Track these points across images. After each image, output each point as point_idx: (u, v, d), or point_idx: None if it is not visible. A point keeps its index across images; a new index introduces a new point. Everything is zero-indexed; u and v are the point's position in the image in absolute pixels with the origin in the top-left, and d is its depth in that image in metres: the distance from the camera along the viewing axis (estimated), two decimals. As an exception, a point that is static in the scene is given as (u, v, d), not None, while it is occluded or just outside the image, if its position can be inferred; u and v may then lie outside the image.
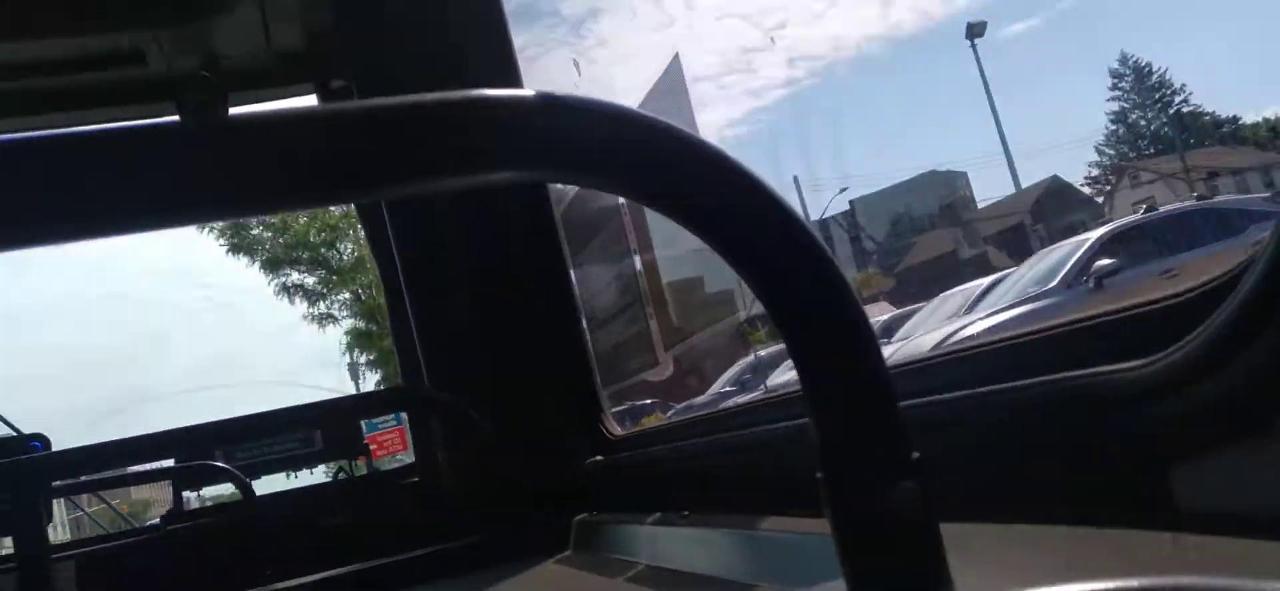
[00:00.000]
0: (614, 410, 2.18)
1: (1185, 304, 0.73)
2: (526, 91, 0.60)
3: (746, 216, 0.60)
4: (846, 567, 0.61)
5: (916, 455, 0.60)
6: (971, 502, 0.81)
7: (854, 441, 0.60)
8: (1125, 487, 0.70)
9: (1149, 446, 0.68)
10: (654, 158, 0.60)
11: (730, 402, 1.59)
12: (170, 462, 2.60)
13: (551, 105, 0.60)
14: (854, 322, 0.60)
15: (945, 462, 0.66)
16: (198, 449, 2.62)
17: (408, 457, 3.31)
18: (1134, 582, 0.55)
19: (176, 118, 0.60)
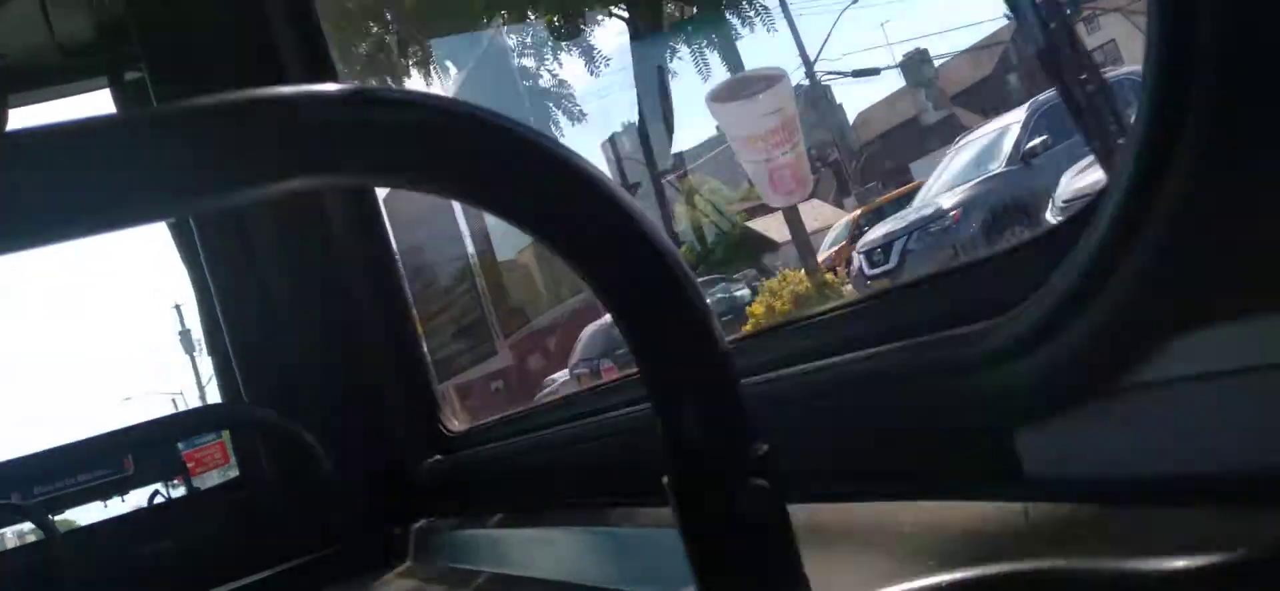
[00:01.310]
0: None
1: (1028, 255, 0.72)
2: (325, 86, 0.52)
3: (573, 208, 0.55)
4: (696, 574, 0.57)
5: (765, 448, 0.57)
6: (821, 480, 0.79)
7: (700, 441, 0.56)
8: (976, 457, 0.69)
9: (996, 413, 0.66)
10: (470, 153, 0.53)
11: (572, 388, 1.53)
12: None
13: (354, 100, 0.52)
14: (695, 316, 0.56)
15: (792, 441, 0.63)
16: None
17: (233, 471, 3.12)
18: (993, 570, 0.53)
19: None
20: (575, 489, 1.38)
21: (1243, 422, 0.53)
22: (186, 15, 2.09)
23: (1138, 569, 0.48)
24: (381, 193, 2.11)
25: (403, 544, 1.84)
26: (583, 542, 1.18)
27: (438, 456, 1.94)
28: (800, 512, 0.55)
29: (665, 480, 0.57)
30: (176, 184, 0.49)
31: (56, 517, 2.69)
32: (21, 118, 2.33)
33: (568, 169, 0.54)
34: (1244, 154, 0.50)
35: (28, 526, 2.67)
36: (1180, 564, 0.47)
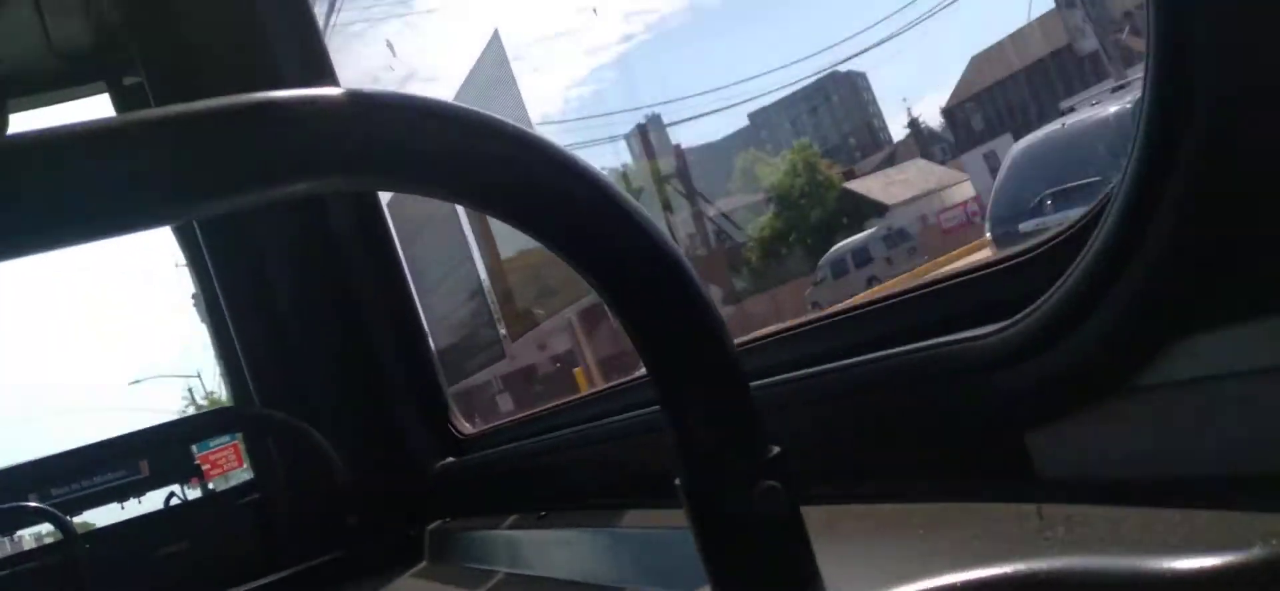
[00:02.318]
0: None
1: (1039, 258, 0.72)
2: (329, 91, 0.52)
3: (578, 213, 0.55)
4: (711, 576, 0.57)
5: (777, 450, 0.57)
6: (833, 482, 0.79)
7: (711, 445, 0.57)
8: (987, 458, 0.69)
9: (1006, 415, 0.66)
10: (478, 158, 0.53)
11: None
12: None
13: (360, 104, 0.52)
14: (704, 320, 0.56)
15: (804, 443, 0.63)
16: (9, 494, 2.41)
17: (246, 473, 3.13)
18: (1008, 569, 0.53)
19: None
20: (588, 490, 1.38)
21: (1250, 423, 0.53)
22: (183, 22, 2.09)
23: (1150, 568, 0.48)
24: (385, 197, 2.11)
25: (418, 544, 1.85)
26: (597, 542, 1.19)
27: (449, 459, 1.94)
28: (813, 513, 0.56)
29: (677, 482, 0.57)
30: (180, 188, 0.49)
31: (74, 519, 2.71)
32: (20, 123, 2.33)
33: (572, 173, 0.54)
34: (1247, 157, 0.51)
35: (46, 527, 2.70)
36: (1191, 563, 0.47)
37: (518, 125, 0.57)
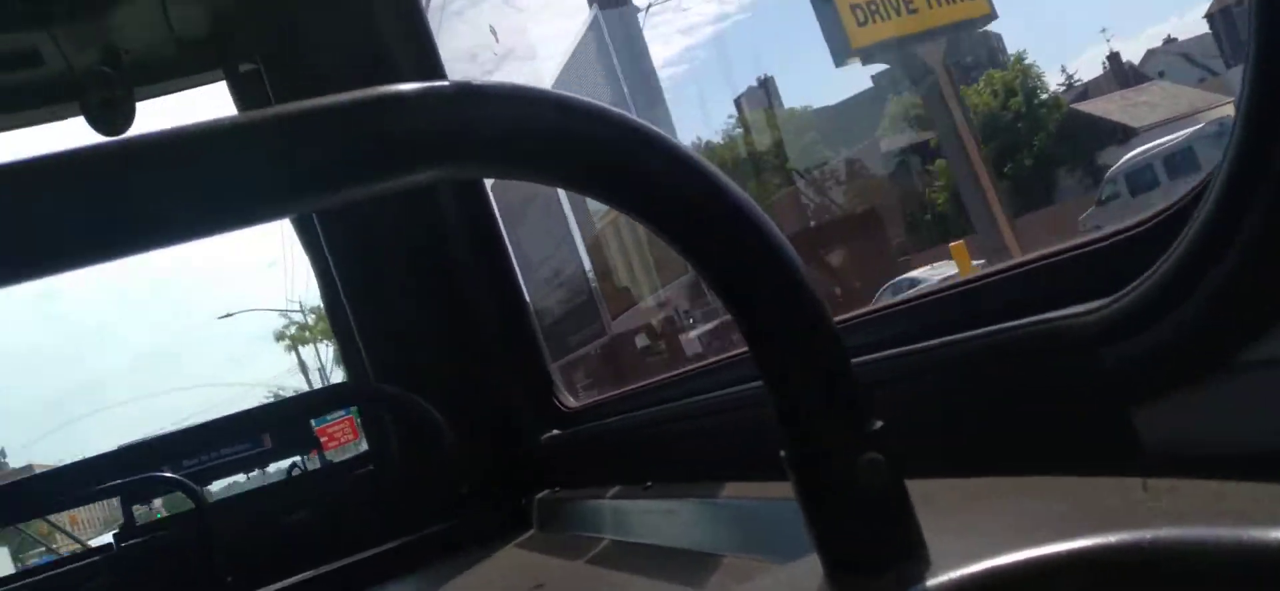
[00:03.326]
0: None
1: (1141, 236, 0.71)
2: (448, 84, 0.56)
3: (684, 196, 0.57)
4: (818, 545, 0.59)
5: (880, 424, 0.59)
6: (935, 457, 0.80)
7: (814, 418, 0.58)
8: (1091, 434, 0.69)
9: (1112, 390, 0.66)
10: (587, 145, 0.56)
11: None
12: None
13: (479, 96, 0.56)
14: (804, 296, 0.58)
15: (905, 418, 0.64)
16: (145, 466, 2.56)
17: (362, 445, 3.27)
18: (1112, 538, 0.54)
19: (81, 122, 0.54)
20: (691, 462, 1.41)
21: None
22: (297, 10, 2.18)
23: (1255, 539, 0.48)
24: (489, 181, 2.17)
25: (526, 513, 1.91)
26: (702, 512, 1.21)
27: (555, 431, 2.00)
28: (916, 487, 0.57)
29: (782, 454, 0.59)
30: (312, 179, 0.53)
31: (206, 488, 2.86)
32: (144, 110, 2.43)
33: (672, 156, 0.57)
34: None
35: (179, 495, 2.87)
36: (1298, 535, 0.47)
37: (620, 111, 0.60)
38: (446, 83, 0.57)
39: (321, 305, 2.72)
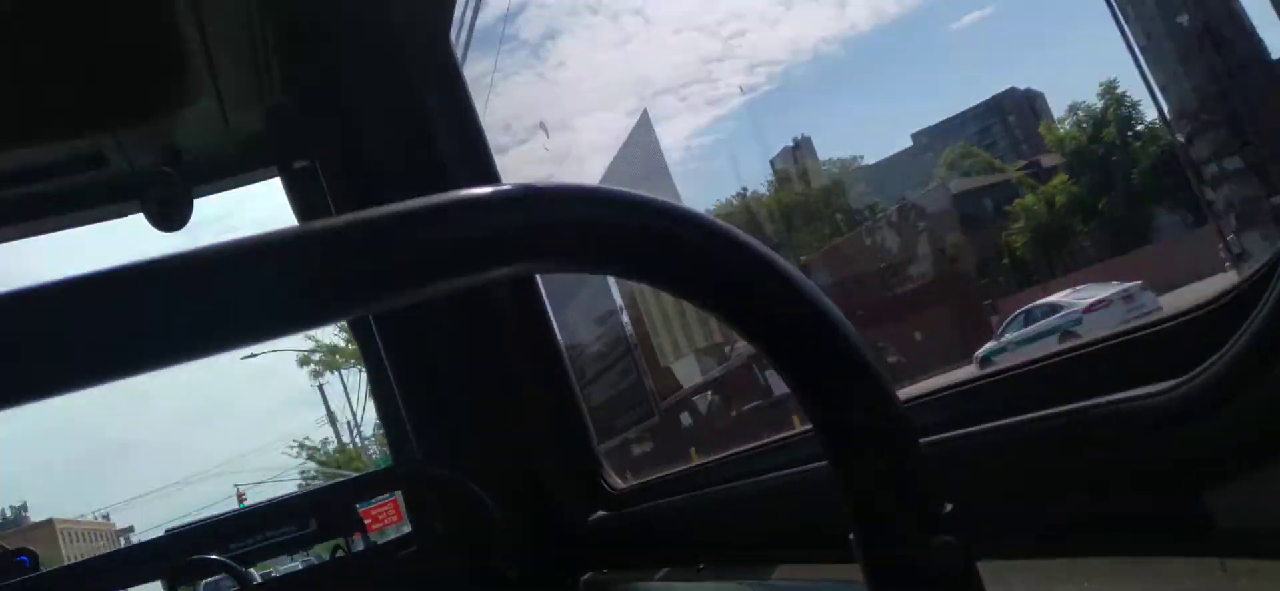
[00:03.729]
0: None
1: (1212, 316, 0.71)
2: (518, 186, 0.58)
3: (747, 283, 0.58)
4: None
5: (950, 507, 0.58)
6: (1005, 537, 0.79)
7: (884, 501, 0.58)
8: (1164, 514, 0.68)
9: (1186, 469, 0.66)
10: (644, 238, 0.58)
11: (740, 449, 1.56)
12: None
13: (550, 199, 0.58)
14: (868, 374, 0.58)
15: (975, 498, 0.64)
16: (193, 549, 2.58)
17: (405, 527, 3.28)
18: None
19: (142, 220, 0.57)
20: (740, 544, 1.40)
21: None
22: (351, 109, 2.24)
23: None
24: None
25: (574, 597, 1.90)
26: (757, 596, 1.20)
27: (602, 512, 1.99)
28: (988, 568, 0.57)
29: (851, 537, 0.59)
30: (379, 282, 0.55)
31: (252, 569, 2.87)
32: (201, 207, 2.49)
33: (731, 244, 0.58)
34: None
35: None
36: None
37: (673, 203, 0.62)
38: (514, 186, 0.59)
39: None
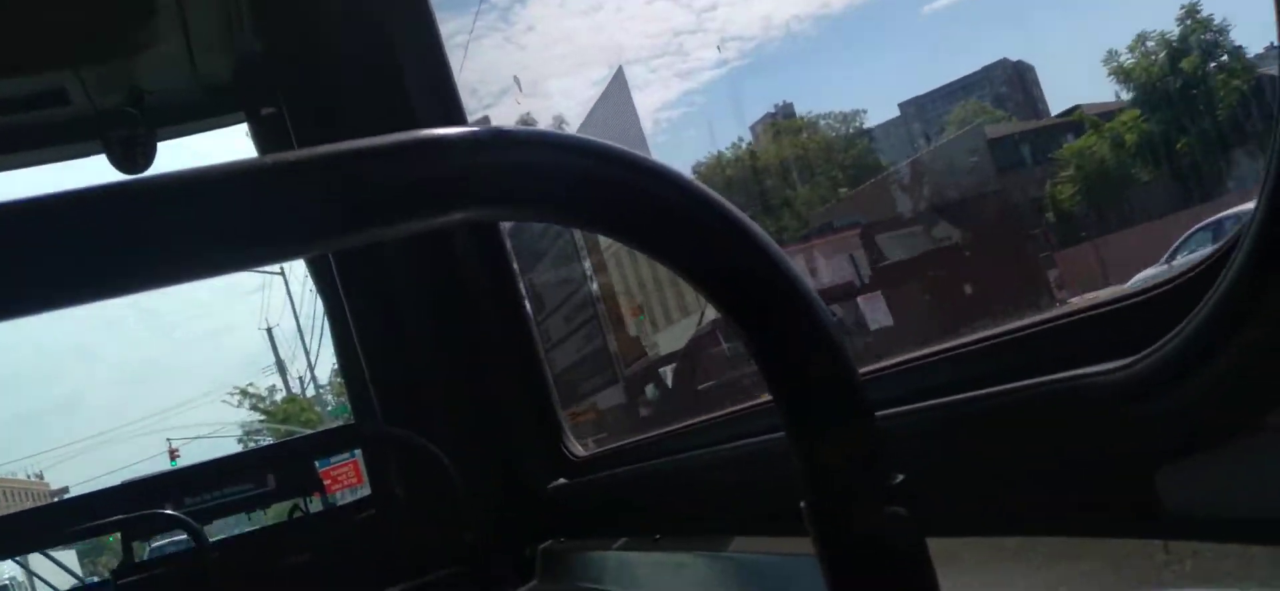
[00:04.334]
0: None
1: (1168, 296, 0.71)
2: (481, 128, 0.57)
3: (706, 240, 0.58)
4: None
5: (901, 477, 0.58)
6: (957, 512, 0.79)
7: (836, 470, 0.58)
8: (1112, 493, 0.69)
9: (1135, 449, 0.66)
10: (613, 190, 0.57)
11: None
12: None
13: (510, 141, 0.57)
14: (830, 346, 0.58)
15: (929, 472, 0.64)
16: (147, 502, 2.55)
17: (364, 490, 3.26)
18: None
19: (103, 160, 0.55)
20: (700, 515, 1.40)
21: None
22: (321, 56, 2.20)
23: (1284, 606, 0.48)
24: (506, 226, 2.18)
25: (530, 563, 1.89)
26: (712, 567, 1.20)
27: (562, 480, 1.99)
28: (936, 544, 0.57)
29: (803, 505, 0.59)
30: (343, 218, 0.54)
31: (206, 527, 2.85)
32: (166, 150, 2.45)
33: (696, 200, 0.57)
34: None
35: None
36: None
37: (646, 156, 0.61)
38: (483, 128, 0.58)
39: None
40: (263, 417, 30.70)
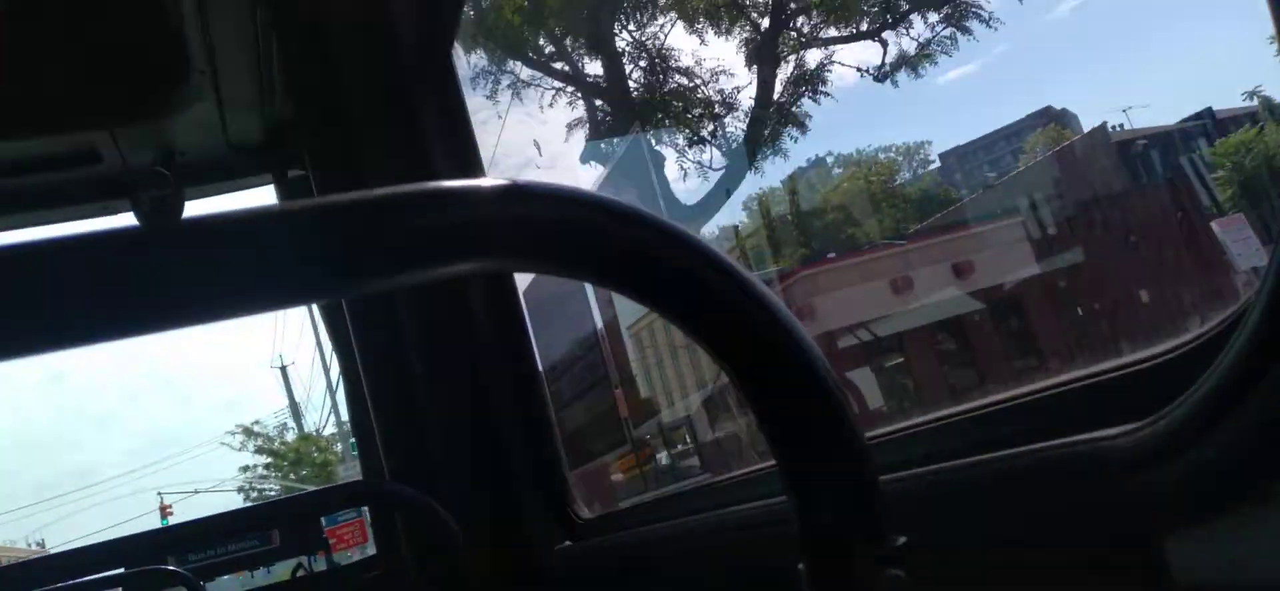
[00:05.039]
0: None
1: (1176, 360, 0.72)
2: (498, 181, 0.59)
3: (713, 302, 0.59)
4: None
5: (902, 540, 0.58)
6: (960, 579, 0.79)
7: (837, 531, 0.58)
8: (1118, 560, 0.69)
9: (1141, 516, 0.66)
10: (620, 244, 0.58)
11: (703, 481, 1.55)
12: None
13: (525, 194, 0.58)
14: (833, 408, 0.59)
15: (930, 538, 0.64)
16: (148, 557, 2.53)
17: (370, 549, 3.24)
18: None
19: (132, 219, 0.57)
20: (703, 578, 1.39)
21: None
22: (346, 118, 2.25)
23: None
24: (521, 282, 2.20)
25: (535, 627, 1.87)
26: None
27: (567, 543, 1.98)
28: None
29: (800, 567, 0.59)
30: (361, 264, 0.55)
31: (207, 584, 2.82)
32: (194, 209, 2.49)
33: (708, 263, 0.58)
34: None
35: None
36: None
37: (657, 215, 0.62)
38: (500, 182, 0.60)
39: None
40: (268, 459, 28.44)
